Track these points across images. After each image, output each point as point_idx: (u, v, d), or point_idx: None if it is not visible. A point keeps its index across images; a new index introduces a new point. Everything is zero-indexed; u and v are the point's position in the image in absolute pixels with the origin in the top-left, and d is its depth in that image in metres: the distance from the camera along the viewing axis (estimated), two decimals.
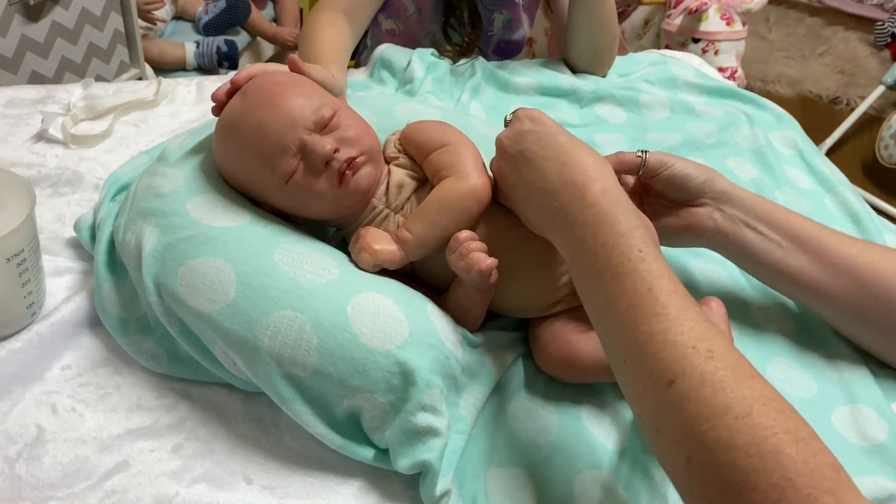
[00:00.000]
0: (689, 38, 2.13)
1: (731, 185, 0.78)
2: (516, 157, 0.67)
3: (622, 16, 2.29)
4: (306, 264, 0.67)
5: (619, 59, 1.26)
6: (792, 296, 0.80)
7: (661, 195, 0.79)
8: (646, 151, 0.77)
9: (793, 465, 0.45)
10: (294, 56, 0.78)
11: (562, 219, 0.62)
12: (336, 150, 0.69)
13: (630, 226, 0.59)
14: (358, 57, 1.47)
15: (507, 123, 0.72)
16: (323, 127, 0.70)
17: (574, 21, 1.17)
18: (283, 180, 0.70)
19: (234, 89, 0.74)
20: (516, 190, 0.68)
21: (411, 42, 1.21)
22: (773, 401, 0.48)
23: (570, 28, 1.18)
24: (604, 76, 1.22)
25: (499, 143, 0.70)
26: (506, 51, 1.34)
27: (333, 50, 0.97)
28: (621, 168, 0.77)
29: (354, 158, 0.70)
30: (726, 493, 0.46)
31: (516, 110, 0.71)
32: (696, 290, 0.84)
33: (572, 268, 0.62)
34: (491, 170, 0.72)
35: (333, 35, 1.00)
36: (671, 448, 0.50)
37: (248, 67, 0.77)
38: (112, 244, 0.76)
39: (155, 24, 2.07)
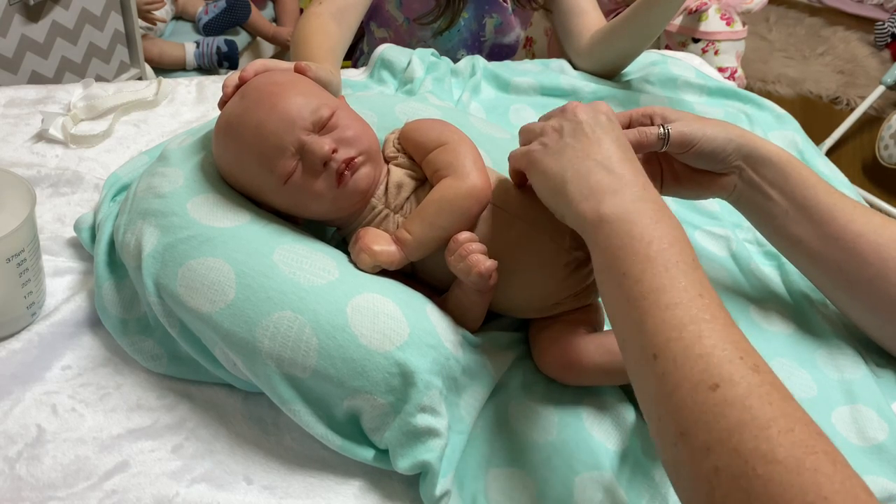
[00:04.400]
0: (689, 38, 2.13)
1: (754, 146, 0.77)
2: (584, 125, 0.65)
3: None
4: (306, 265, 0.67)
5: None
6: (791, 259, 0.81)
7: (684, 166, 0.79)
8: (667, 128, 0.75)
9: (829, 485, 0.44)
10: (301, 63, 0.78)
11: (611, 196, 0.60)
12: (334, 151, 0.69)
13: (684, 235, 0.58)
14: (355, 62, 1.48)
15: None
16: (321, 127, 0.70)
17: (622, 38, 1.16)
18: (281, 181, 0.70)
19: (242, 83, 0.74)
20: (563, 152, 0.64)
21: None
22: (813, 424, 0.48)
23: (612, 40, 1.17)
24: (612, 79, 1.22)
25: (571, 108, 0.67)
26: (500, 55, 1.35)
27: (325, 50, 0.98)
28: (642, 147, 0.75)
29: (353, 159, 0.70)
30: None
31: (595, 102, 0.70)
32: None
33: (610, 244, 0.58)
34: (534, 127, 0.69)
35: (322, 39, 1.00)
36: (696, 455, 0.48)
37: (254, 63, 0.77)
38: (112, 244, 0.76)
39: (155, 24, 2.07)
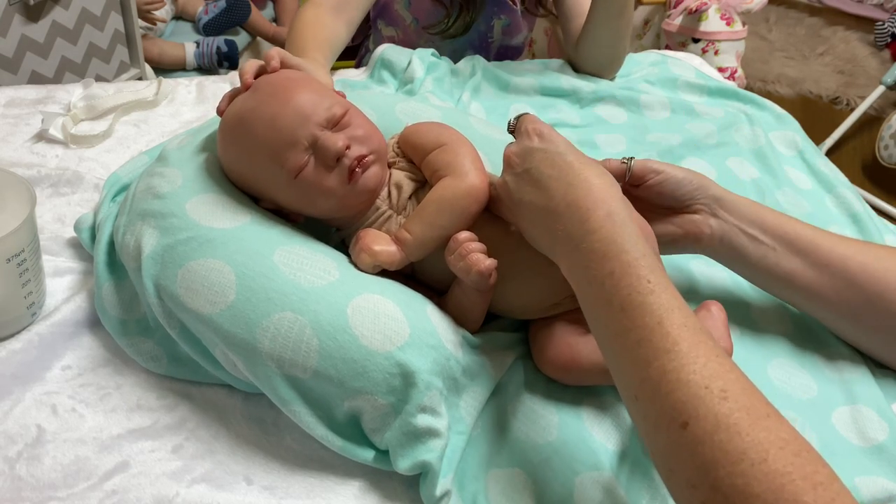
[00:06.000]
0: (689, 38, 2.13)
1: (723, 190, 0.77)
2: (522, 175, 0.65)
3: None
4: (306, 266, 0.67)
5: None
6: (788, 299, 0.80)
7: (653, 203, 0.78)
8: (631, 159, 0.76)
9: None
10: (275, 51, 0.79)
11: (566, 243, 0.60)
12: (347, 147, 0.69)
13: (638, 254, 0.57)
14: (360, 61, 1.48)
15: (510, 128, 0.70)
16: (335, 124, 0.71)
17: (595, 25, 1.16)
18: (292, 175, 0.70)
19: (261, 72, 0.76)
20: (521, 208, 0.66)
21: (412, 49, 1.22)
22: (790, 443, 0.47)
23: (589, 31, 1.18)
24: (612, 80, 1.22)
25: (506, 159, 0.68)
26: (506, 57, 1.35)
27: (318, 41, 0.98)
28: None
29: (364, 156, 0.70)
30: None
31: (522, 117, 0.69)
32: (697, 292, 0.84)
33: (579, 294, 0.60)
34: (496, 186, 0.70)
35: (317, 31, 1.01)
36: (685, 492, 0.48)
37: (251, 62, 0.77)
38: (112, 245, 0.76)
39: (155, 24, 2.07)
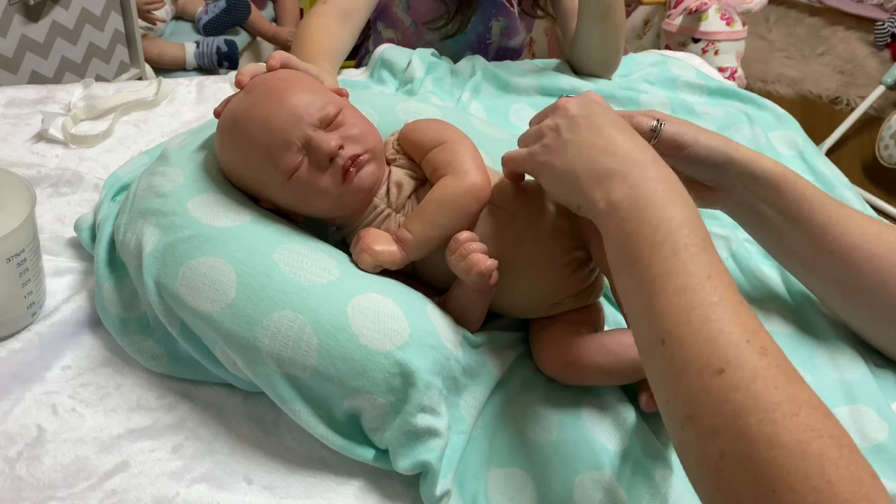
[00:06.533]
0: (689, 38, 2.13)
1: (748, 162, 0.77)
2: (578, 119, 0.64)
3: None
4: (307, 265, 0.67)
5: None
6: (786, 267, 0.82)
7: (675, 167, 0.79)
8: (661, 123, 0.75)
9: (834, 469, 0.44)
10: (278, 53, 0.79)
11: (620, 183, 0.59)
12: (341, 147, 0.69)
13: (696, 213, 0.57)
14: (359, 62, 1.48)
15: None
16: (328, 124, 0.71)
17: (584, 27, 1.16)
18: (286, 176, 0.70)
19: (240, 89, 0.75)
20: (566, 147, 0.63)
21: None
22: (821, 407, 0.48)
23: (579, 34, 1.18)
24: (610, 80, 1.22)
25: (562, 103, 0.67)
26: (505, 58, 1.35)
27: (325, 49, 0.98)
28: None
29: (359, 156, 0.70)
30: (758, 491, 0.45)
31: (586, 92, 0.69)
32: None
33: (620, 230, 0.58)
34: (530, 127, 0.69)
35: (324, 39, 1.01)
36: (702, 438, 0.48)
37: (247, 66, 0.77)
38: (112, 244, 0.76)
39: (155, 24, 2.07)
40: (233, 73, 1.22)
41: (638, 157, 0.60)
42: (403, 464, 0.63)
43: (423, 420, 0.63)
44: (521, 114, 1.11)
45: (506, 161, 0.70)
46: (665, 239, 0.55)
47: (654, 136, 0.75)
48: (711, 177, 0.78)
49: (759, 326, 0.52)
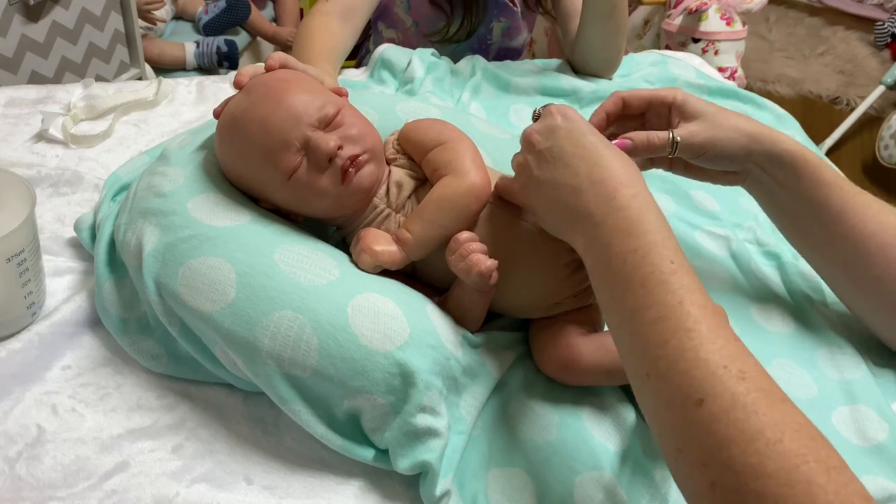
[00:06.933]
0: (689, 38, 2.13)
1: (769, 147, 0.77)
2: (545, 153, 0.64)
3: None
4: (307, 265, 0.67)
5: None
6: (796, 248, 0.83)
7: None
8: (677, 137, 0.76)
9: (823, 496, 0.43)
10: (277, 54, 0.79)
11: (587, 220, 0.60)
12: (340, 148, 0.69)
13: (663, 235, 0.57)
14: (360, 61, 1.48)
15: (535, 117, 0.69)
16: (327, 124, 0.71)
17: (588, 27, 1.16)
18: (285, 177, 0.70)
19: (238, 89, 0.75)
20: (540, 187, 0.65)
21: None
22: (805, 427, 0.47)
23: (582, 33, 1.18)
24: (610, 80, 1.22)
25: (527, 137, 0.67)
26: (505, 58, 1.35)
27: (326, 49, 0.98)
28: (650, 150, 0.76)
29: (358, 156, 0.70)
30: None
31: (547, 105, 0.69)
32: None
33: (595, 272, 0.60)
34: (513, 164, 0.69)
35: (325, 39, 1.01)
36: (694, 471, 0.48)
37: (247, 67, 0.77)
38: (112, 244, 0.76)
39: (155, 24, 2.07)
40: (233, 74, 1.22)
41: (601, 190, 0.60)
42: (403, 464, 0.63)
43: (422, 420, 0.63)
44: (521, 114, 1.11)
45: (500, 191, 0.71)
46: (633, 272, 0.55)
47: (673, 150, 0.76)
48: (732, 167, 0.79)
49: (735, 348, 0.51)
